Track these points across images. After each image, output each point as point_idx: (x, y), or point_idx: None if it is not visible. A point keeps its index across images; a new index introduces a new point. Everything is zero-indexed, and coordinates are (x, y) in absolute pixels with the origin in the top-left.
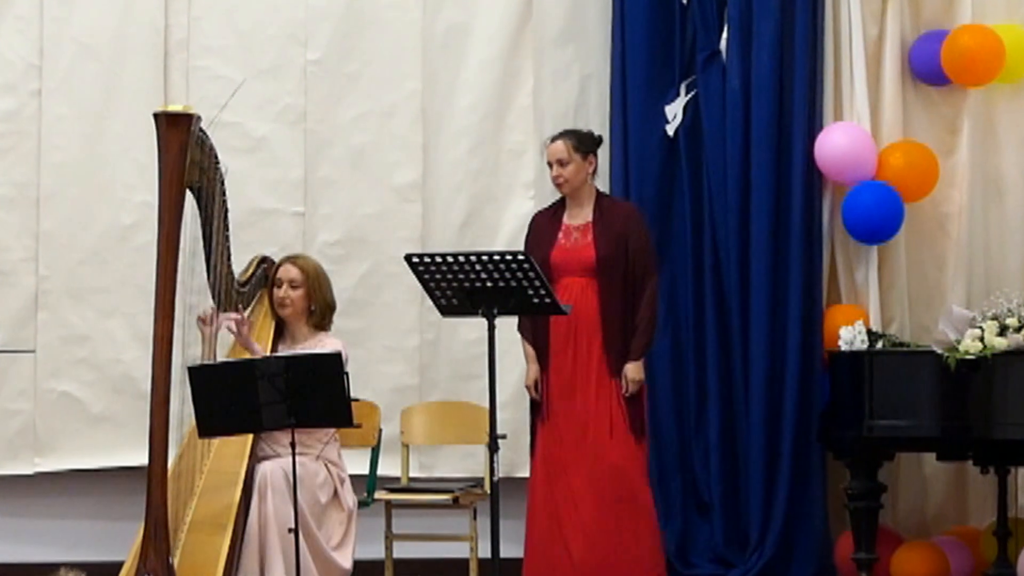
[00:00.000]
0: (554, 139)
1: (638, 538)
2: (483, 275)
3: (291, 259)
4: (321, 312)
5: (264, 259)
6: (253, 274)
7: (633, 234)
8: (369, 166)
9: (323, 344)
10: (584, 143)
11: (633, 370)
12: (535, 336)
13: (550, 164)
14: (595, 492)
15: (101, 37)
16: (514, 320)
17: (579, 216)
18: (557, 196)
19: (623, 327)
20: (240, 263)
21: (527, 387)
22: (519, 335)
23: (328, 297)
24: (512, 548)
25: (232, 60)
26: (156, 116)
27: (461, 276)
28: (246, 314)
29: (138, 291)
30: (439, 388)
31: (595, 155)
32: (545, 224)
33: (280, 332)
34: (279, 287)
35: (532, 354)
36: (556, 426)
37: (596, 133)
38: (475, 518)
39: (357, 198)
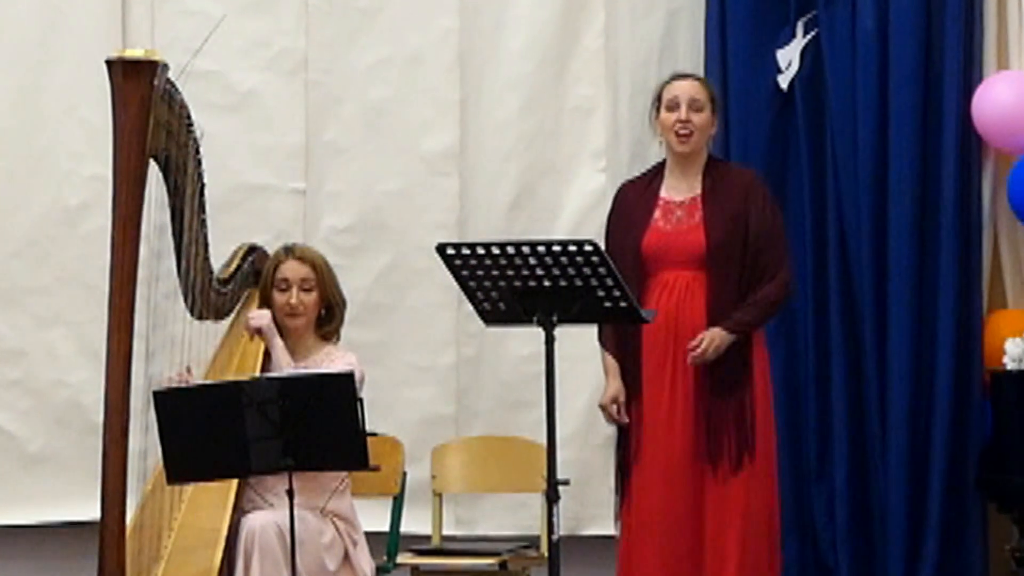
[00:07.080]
0: (683, 76)
1: None
2: (539, 271)
3: (291, 253)
4: (341, 314)
5: (252, 249)
6: (238, 269)
7: (756, 212)
8: (390, 129)
9: (333, 360)
10: (715, 97)
11: (717, 334)
12: (621, 347)
13: (674, 106)
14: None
15: None
16: (577, 330)
17: (683, 189)
18: (634, 169)
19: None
20: (221, 255)
21: (601, 406)
22: (598, 346)
23: (341, 292)
24: None
25: None
26: (110, 64)
27: (510, 272)
28: (227, 322)
29: (87, 292)
30: (481, 419)
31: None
32: (636, 199)
33: None
34: (282, 291)
35: (613, 366)
36: (652, 466)
37: None
38: None
39: (374, 171)
